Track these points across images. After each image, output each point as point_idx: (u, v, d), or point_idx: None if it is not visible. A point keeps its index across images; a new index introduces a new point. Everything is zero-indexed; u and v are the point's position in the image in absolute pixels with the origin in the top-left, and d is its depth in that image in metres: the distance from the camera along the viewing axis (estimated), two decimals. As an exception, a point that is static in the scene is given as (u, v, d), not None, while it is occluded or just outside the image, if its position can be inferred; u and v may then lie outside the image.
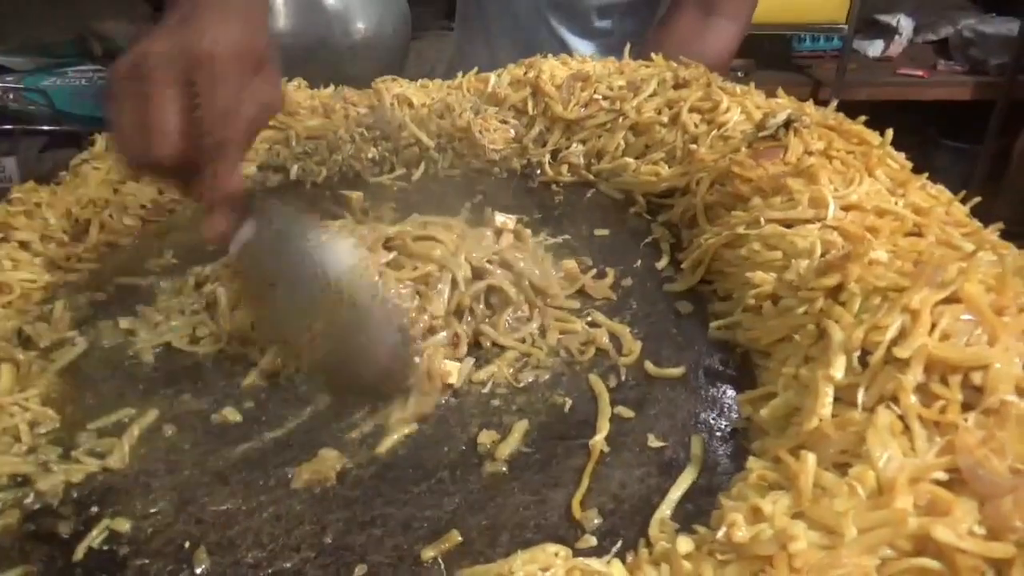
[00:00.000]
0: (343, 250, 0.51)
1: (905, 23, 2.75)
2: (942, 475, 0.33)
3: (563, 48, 1.06)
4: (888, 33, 2.75)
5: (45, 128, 2.60)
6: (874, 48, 2.72)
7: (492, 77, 0.81)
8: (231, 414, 0.50)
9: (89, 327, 0.59)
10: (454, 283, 0.53)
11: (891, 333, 0.38)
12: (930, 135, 2.77)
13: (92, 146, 0.77)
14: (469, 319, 0.54)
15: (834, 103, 0.66)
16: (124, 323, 0.58)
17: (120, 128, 0.50)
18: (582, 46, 1.08)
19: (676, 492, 0.41)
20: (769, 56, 2.69)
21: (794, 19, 2.44)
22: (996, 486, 0.33)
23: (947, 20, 2.77)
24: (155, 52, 0.49)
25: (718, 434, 0.46)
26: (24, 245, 0.64)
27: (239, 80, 0.50)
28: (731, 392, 0.49)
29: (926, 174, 0.58)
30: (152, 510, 0.44)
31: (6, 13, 2.62)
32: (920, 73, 2.61)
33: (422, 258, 0.53)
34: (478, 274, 0.55)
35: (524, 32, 1.10)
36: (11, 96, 2.56)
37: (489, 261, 0.55)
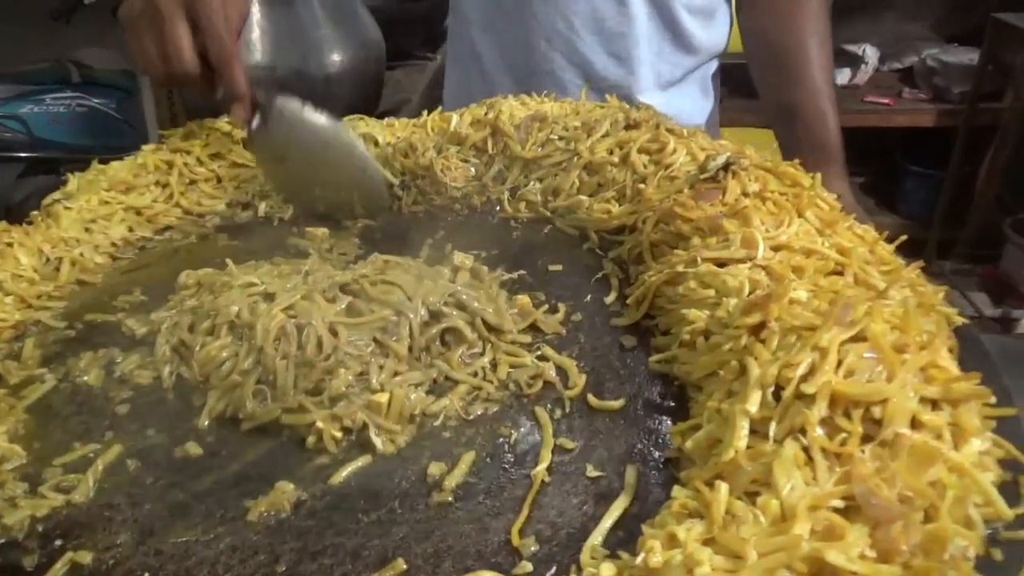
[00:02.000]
0: (325, 120, 0.75)
1: (871, 52, 2.84)
2: (839, 503, 0.37)
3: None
4: (855, 62, 2.83)
5: (22, 155, 2.62)
6: (841, 76, 2.80)
7: (454, 117, 0.85)
8: (193, 448, 0.52)
9: (58, 364, 0.61)
10: (411, 327, 0.56)
11: (801, 370, 0.42)
12: (896, 161, 2.85)
13: (64, 186, 0.79)
14: (426, 357, 0.57)
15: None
16: (91, 361, 0.61)
17: (146, 55, 0.70)
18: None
19: (608, 520, 0.44)
20: (742, 85, 2.75)
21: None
22: (887, 512, 0.36)
23: (911, 50, 2.86)
24: None
25: (652, 464, 0.49)
26: (-5, 284, 0.66)
27: (224, 3, 0.68)
28: (668, 423, 0.52)
29: (853, 215, 0.62)
30: (114, 542, 0.46)
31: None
32: (886, 101, 2.69)
33: (379, 303, 0.56)
34: (435, 316, 0.57)
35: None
36: (-12, 123, 2.57)
37: (445, 303, 0.58)
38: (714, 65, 1.22)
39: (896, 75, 2.83)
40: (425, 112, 0.90)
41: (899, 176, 2.86)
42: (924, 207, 2.77)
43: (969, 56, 2.64)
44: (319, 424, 0.52)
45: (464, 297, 0.59)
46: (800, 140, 1.03)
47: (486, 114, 0.83)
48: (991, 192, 2.65)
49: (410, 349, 0.56)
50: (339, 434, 0.52)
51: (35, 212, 0.77)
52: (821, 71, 1.02)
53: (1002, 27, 2.40)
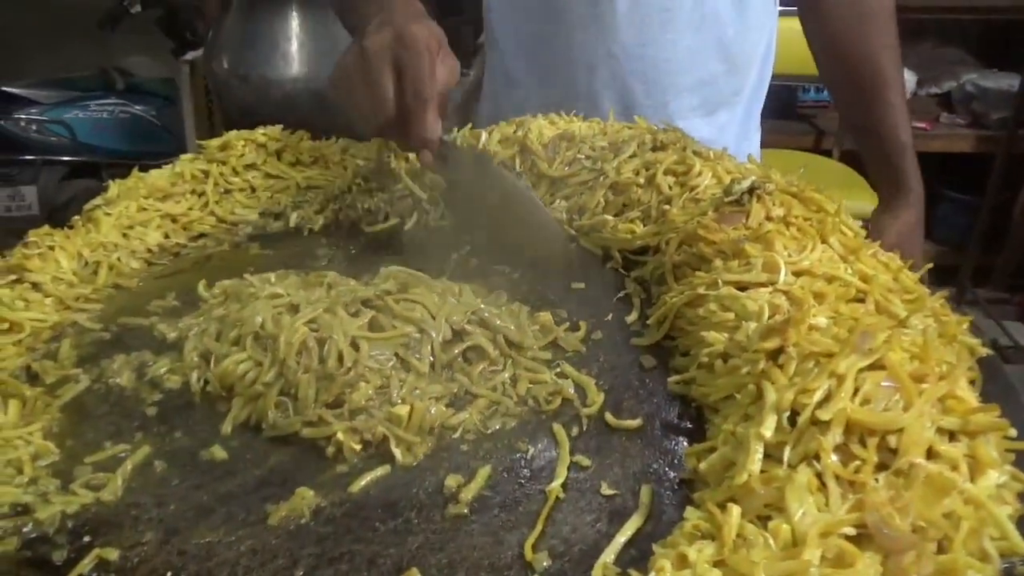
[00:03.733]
0: (508, 174, 0.78)
1: (908, 76, 2.81)
2: (851, 530, 0.37)
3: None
4: (891, 85, 2.79)
5: (66, 159, 2.70)
6: (877, 100, 2.76)
7: (483, 134, 0.86)
8: (218, 452, 0.54)
9: (93, 365, 0.63)
10: (433, 346, 0.57)
11: (817, 396, 0.42)
12: (933, 186, 2.81)
13: (106, 192, 0.82)
14: (447, 372, 0.58)
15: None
16: (124, 363, 0.62)
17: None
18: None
19: (621, 538, 0.45)
20: (775, 106, 2.74)
21: (799, 71, 2.49)
22: (899, 542, 0.36)
23: (950, 74, 2.83)
24: (371, 45, 0.69)
25: (667, 484, 0.49)
26: (36, 286, 0.68)
27: (431, 56, 0.70)
28: (684, 444, 0.52)
29: (879, 241, 0.62)
30: (139, 541, 0.47)
31: (32, 48, 2.73)
32: (923, 125, 2.66)
33: (401, 319, 0.57)
34: (457, 334, 0.58)
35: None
36: (34, 127, 2.66)
37: (468, 322, 0.59)
38: (759, 99, 1.19)
39: (934, 99, 2.80)
40: (456, 129, 0.92)
41: (934, 201, 2.82)
42: (960, 233, 2.73)
43: (1009, 82, 2.60)
44: (339, 436, 0.53)
45: (487, 315, 0.60)
46: (878, 171, 1.05)
47: (515, 132, 0.84)
48: (1030, 220, 2.60)
49: (432, 366, 0.57)
50: (358, 447, 0.53)
51: (76, 217, 0.79)
52: (897, 92, 1.01)
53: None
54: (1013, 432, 0.43)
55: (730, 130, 1.14)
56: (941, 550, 0.37)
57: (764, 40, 1.13)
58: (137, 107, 2.78)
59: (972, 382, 0.50)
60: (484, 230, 0.77)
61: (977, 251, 2.70)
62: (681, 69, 1.07)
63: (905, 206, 1.04)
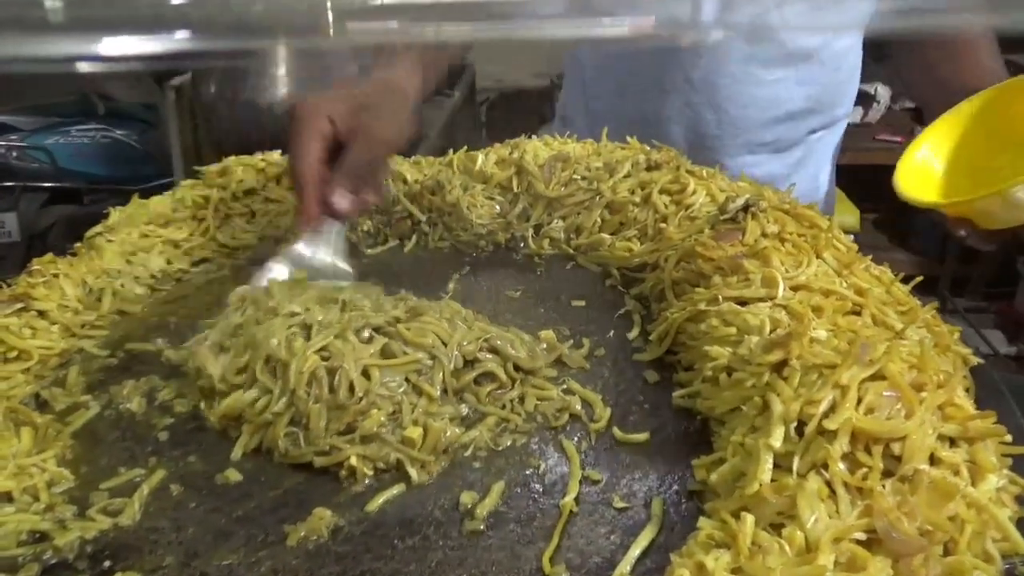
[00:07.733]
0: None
1: (882, 91, 2.87)
2: (861, 535, 0.38)
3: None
4: (866, 101, 2.86)
5: (46, 184, 2.68)
6: (853, 115, 2.83)
7: (480, 156, 0.88)
8: (233, 475, 0.54)
9: (102, 391, 0.64)
10: (444, 374, 0.58)
11: (823, 407, 0.44)
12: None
13: (106, 219, 0.82)
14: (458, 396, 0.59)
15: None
16: (133, 388, 0.63)
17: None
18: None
19: (636, 550, 0.46)
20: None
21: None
22: (907, 546, 0.37)
23: (922, 89, 2.87)
24: (301, 106, 0.72)
25: (677, 496, 0.51)
26: (42, 314, 0.68)
27: (310, 136, 0.70)
28: (691, 457, 0.54)
29: (870, 256, 0.64)
30: (160, 564, 0.48)
31: (12, 73, 2.72)
32: (897, 139, 2.71)
33: (413, 345, 0.58)
34: (469, 362, 0.59)
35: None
36: (14, 154, 2.64)
37: (480, 349, 0.60)
38: (837, 135, 1.13)
39: (908, 113, 2.86)
40: (452, 151, 0.93)
41: (910, 213, 2.87)
42: (936, 244, 2.78)
43: (980, 96, 2.66)
44: (352, 461, 0.53)
45: (499, 343, 0.61)
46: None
47: (511, 154, 0.86)
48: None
49: (444, 391, 0.58)
50: (370, 472, 0.54)
51: (79, 244, 0.80)
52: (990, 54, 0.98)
53: (1014, 69, 2.42)
54: (1009, 437, 0.45)
55: (804, 169, 1.09)
56: (947, 552, 0.39)
57: (853, 80, 1.09)
58: (118, 132, 2.76)
59: (967, 390, 0.52)
60: None
61: (955, 261, 2.75)
62: (759, 104, 1.03)
63: None
